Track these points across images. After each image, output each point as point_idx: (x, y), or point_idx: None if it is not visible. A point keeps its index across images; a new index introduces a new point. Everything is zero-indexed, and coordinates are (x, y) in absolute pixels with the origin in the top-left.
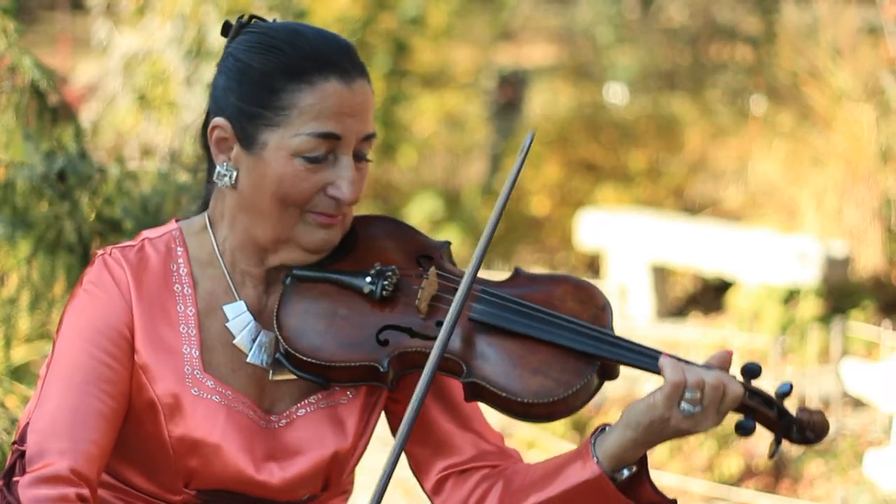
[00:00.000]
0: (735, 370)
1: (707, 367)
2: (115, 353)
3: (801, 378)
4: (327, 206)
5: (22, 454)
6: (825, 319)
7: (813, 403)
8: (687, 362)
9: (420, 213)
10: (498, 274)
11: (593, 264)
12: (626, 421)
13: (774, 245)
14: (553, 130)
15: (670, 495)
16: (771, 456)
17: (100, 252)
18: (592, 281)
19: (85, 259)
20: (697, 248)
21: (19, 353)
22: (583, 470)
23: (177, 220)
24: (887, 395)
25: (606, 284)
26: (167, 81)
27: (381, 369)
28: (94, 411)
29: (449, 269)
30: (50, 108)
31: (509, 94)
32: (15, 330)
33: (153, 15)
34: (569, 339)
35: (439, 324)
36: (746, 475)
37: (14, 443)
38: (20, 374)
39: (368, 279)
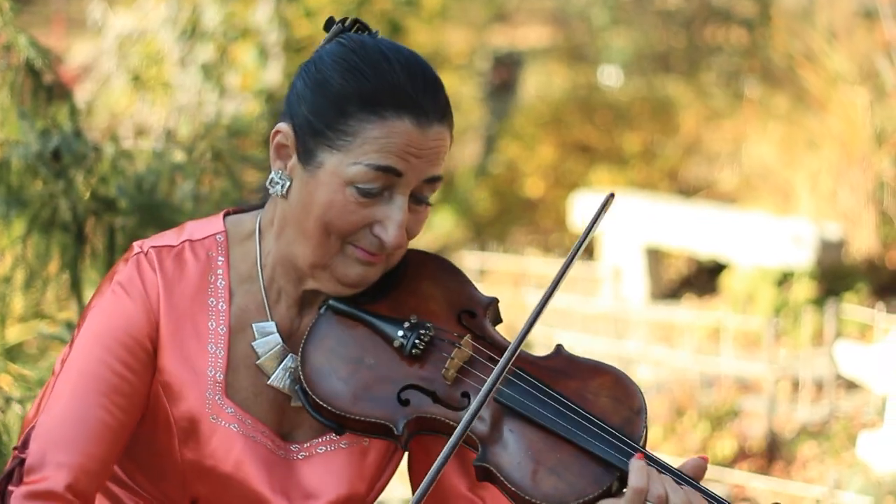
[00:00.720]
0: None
1: (679, 478)
2: (133, 364)
3: (795, 360)
4: (370, 244)
5: (21, 462)
6: (819, 302)
7: (807, 386)
8: (665, 469)
9: None
10: (492, 255)
11: (587, 246)
12: None
13: (768, 227)
14: (547, 112)
15: None
16: None
17: (136, 248)
18: (587, 262)
19: (80, 238)
20: (691, 230)
21: (13, 333)
22: None
23: (227, 214)
24: (881, 378)
25: (600, 266)
26: (161, 62)
27: (396, 432)
28: (102, 424)
29: (488, 333)
30: (45, 87)
31: (504, 75)
32: (9, 309)
33: None
34: (593, 444)
35: (464, 395)
36: (740, 457)
37: (15, 448)
38: (14, 353)
39: (401, 333)
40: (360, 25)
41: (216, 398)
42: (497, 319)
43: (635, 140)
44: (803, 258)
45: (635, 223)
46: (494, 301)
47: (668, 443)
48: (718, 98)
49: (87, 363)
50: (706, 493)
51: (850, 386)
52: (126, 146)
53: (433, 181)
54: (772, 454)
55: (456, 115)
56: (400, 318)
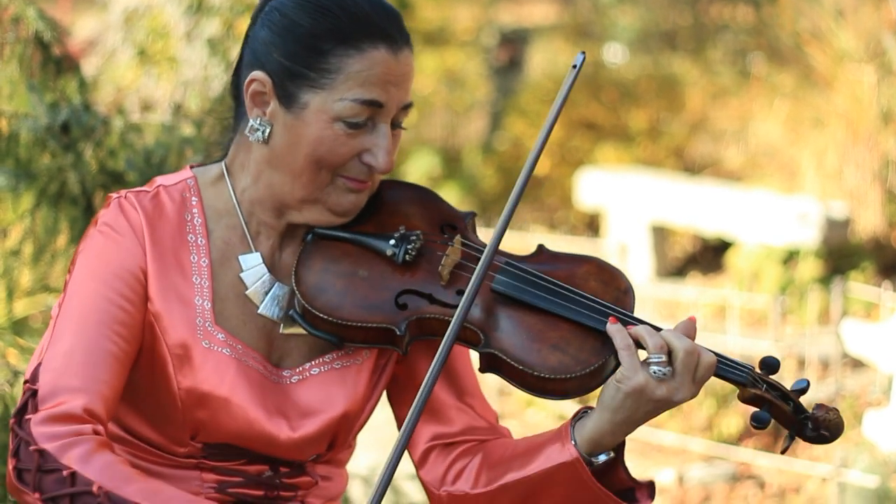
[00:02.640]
0: (755, 362)
1: (679, 335)
2: (130, 295)
3: (801, 339)
4: (359, 172)
5: (34, 393)
6: (825, 280)
7: (813, 364)
8: (655, 328)
9: (418, 170)
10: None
11: (593, 223)
12: (603, 402)
13: (774, 206)
14: (553, 89)
15: (670, 454)
16: (783, 451)
17: (114, 195)
18: (592, 240)
19: (88, 211)
20: (697, 208)
21: (20, 307)
22: (560, 453)
23: (192, 167)
24: (887, 356)
25: (606, 244)
26: (167, 36)
27: (398, 332)
28: (108, 353)
29: (473, 239)
30: (54, 60)
31: (510, 52)
32: (17, 283)
33: None
34: (590, 317)
35: (459, 293)
36: (745, 434)
37: (26, 381)
38: (21, 327)
39: (392, 242)
40: None
41: (206, 325)
42: (475, 232)
43: (641, 118)
44: (809, 236)
45: (641, 200)
46: (472, 214)
47: (674, 420)
48: (724, 76)
49: (87, 297)
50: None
51: (857, 364)
52: (133, 120)
53: (407, 107)
54: (778, 432)
55: (462, 91)
56: (387, 232)
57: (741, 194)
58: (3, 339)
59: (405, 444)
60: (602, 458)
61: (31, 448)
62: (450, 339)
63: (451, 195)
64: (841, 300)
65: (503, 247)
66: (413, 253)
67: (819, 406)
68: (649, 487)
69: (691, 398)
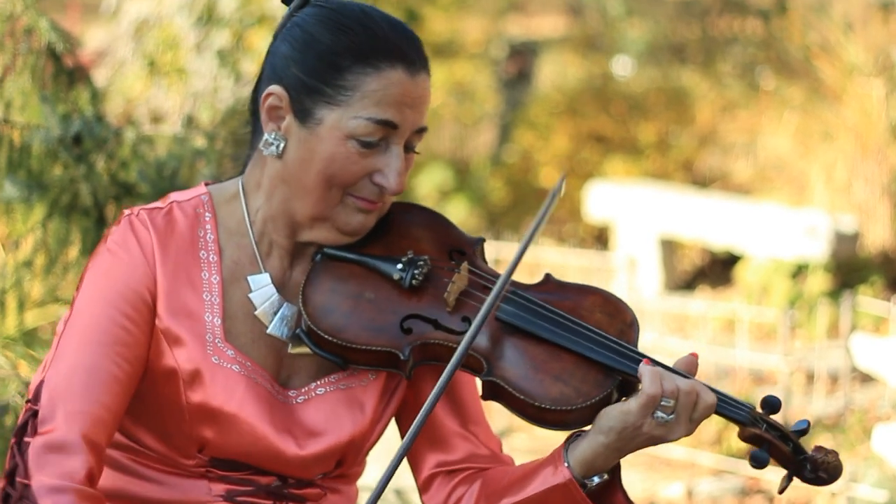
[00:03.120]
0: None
1: (681, 374)
2: (135, 316)
3: (810, 353)
4: (370, 193)
5: (35, 413)
6: (833, 294)
7: (822, 378)
8: (664, 367)
9: (429, 183)
10: (507, 245)
11: (602, 236)
12: (599, 427)
13: (783, 219)
14: (562, 102)
15: (678, 468)
16: (780, 491)
17: (126, 212)
18: (601, 253)
19: (100, 223)
20: (706, 221)
21: (31, 318)
22: (553, 475)
23: (207, 185)
24: None
25: (615, 257)
26: (177, 48)
27: (402, 357)
28: (110, 375)
29: (481, 266)
30: (66, 71)
31: (519, 64)
32: (28, 294)
33: None
34: (593, 350)
35: (465, 319)
36: None
37: (28, 401)
38: (32, 338)
39: (399, 266)
40: None
41: (216, 341)
42: (484, 258)
43: (650, 130)
44: (818, 250)
45: (650, 213)
46: (481, 240)
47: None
48: (733, 89)
49: (92, 317)
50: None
51: (866, 379)
52: (145, 131)
53: (421, 131)
54: None
55: (471, 104)
56: (395, 256)
57: (750, 208)
58: (14, 351)
59: (398, 463)
60: (596, 480)
61: (20, 480)
62: (453, 365)
63: (460, 208)
64: (850, 314)
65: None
66: (420, 278)
67: (818, 448)
68: None
69: (686, 436)
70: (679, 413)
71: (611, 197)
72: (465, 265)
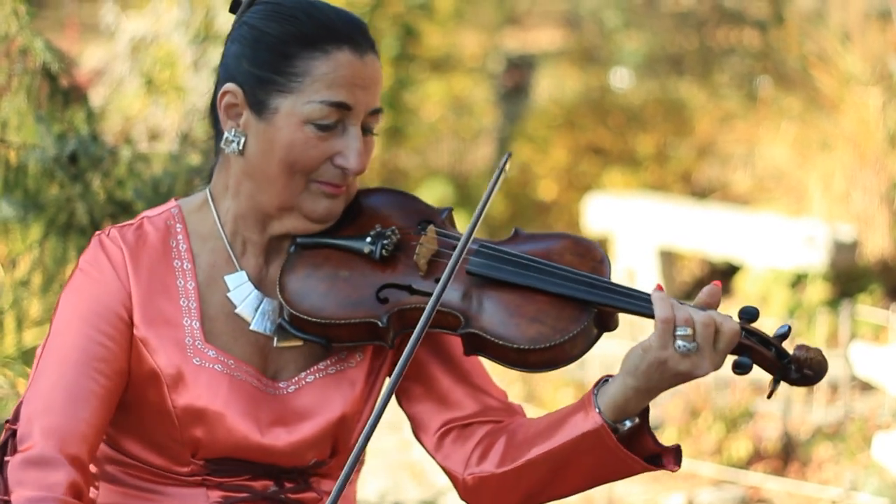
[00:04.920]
0: (734, 313)
1: (699, 307)
2: (111, 332)
3: None
4: (333, 176)
5: (14, 433)
6: (833, 304)
7: (821, 387)
8: (679, 302)
9: (429, 198)
10: None
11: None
12: (626, 368)
13: (782, 229)
14: (560, 114)
15: (679, 479)
16: (769, 396)
17: (97, 232)
18: None
19: None
20: (705, 232)
21: (30, 337)
22: (584, 421)
23: (176, 199)
24: (895, 379)
25: (614, 268)
26: (174, 65)
27: (381, 325)
28: (88, 390)
29: (451, 231)
30: (61, 91)
31: (516, 78)
32: (26, 313)
33: None
34: (564, 286)
35: (438, 280)
36: (755, 458)
37: (7, 420)
38: (31, 357)
39: (368, 240)
40: None
41: (196, 343)
42: (454, 226)
43: (648, 142)
44: (817, 260)
45: (649, 225)
46: (449, 209)
47: (682, 444)
48: (731, 99)
49: (68, 336)
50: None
51: (865, 387)
52: (141, 149)
53: (376, 112)
54: (787, 456)
55: (469, 118)
56: (364, 232)
57: (749, 218)
58: (12, 370)
59: (385, 405)
60: (627, 424)
61: (0, 497)
62: (427, 316)
63: (460, 222)
64: (849, 323)
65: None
66: (390, 248)
67: (800, 347)
68: (675, 453)
69: (715, 370)
70: (701, 343)
71: (609, 209)
72: (431, 227)
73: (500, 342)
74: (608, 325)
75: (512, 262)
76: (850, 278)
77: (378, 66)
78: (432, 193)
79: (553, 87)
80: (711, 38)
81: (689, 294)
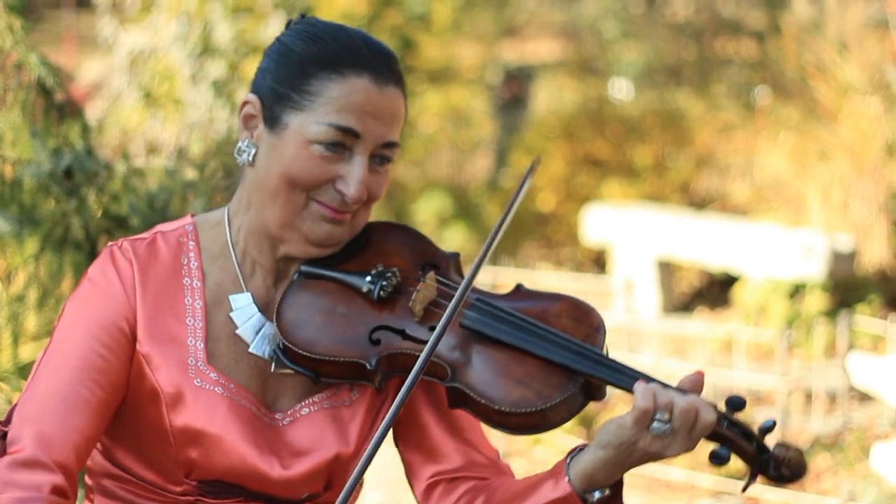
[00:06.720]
0: (720, 400)
1: (681, 391)
2: (111, 345)
3: (808, 372)
4: (332, 199)
5: (4, 435)
6: (831, 314)
7: (820, 398)
8: (663, 385)
9: (428, 210)
10: (504, 270)
11: (599, 259)
12: (598, 441)
13: (780, 239)
14: (558, 126)
15: (677, 490)
16: (744, 489)
17: (110, 243)
18: (598, 276)
19: (92, 256)
20: (703, 242)
21: (26, 351)
22: (554, 489)
23: (193, 216)
24: (893, 389)
25: (612, 280)
26: (172, 79)
27: (369, 367)
28: (82, 399)
29: (452, 278)
30: (56, 106)
31: (514, 89)
32: (22, 328)
33: (159, 12)
34: (554, 352)
35: (433, 329)
36: None
37: (0, 423)
38: (27, 372)
39: (368, 279)
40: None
41: (198, 364)
42: (460, 273)
43: (647, 153)
44: (815, 270)
45: (647, 236)
46: (456, 255)
47: (681, 456)
48: (730, 110)
49: (69, 345)
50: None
51: (863, 398)
52: (137, 163)
53: (390, 146)
54: None
55: (467, 129)
56: (366, 270)
57: (747, 228)
58: (9, 384)
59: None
60: (597, 495)
61: None
62: (417, 370)
63: (459, 233)
64: (847, 333)
65: (484, 286)
66: (389, 290)
67: (780, 445)
68: None
69: (685, 452)
70: (677, 429)
71: (608, 220)
72: (431, 274)
73: (483, 401)
74: (595, 394)
75: (506, 321)
76: (848, 288)
77: (400, 101)
78: (431, 205)
79: (551, 98)
80: (709, 48)
81: (687, 305)
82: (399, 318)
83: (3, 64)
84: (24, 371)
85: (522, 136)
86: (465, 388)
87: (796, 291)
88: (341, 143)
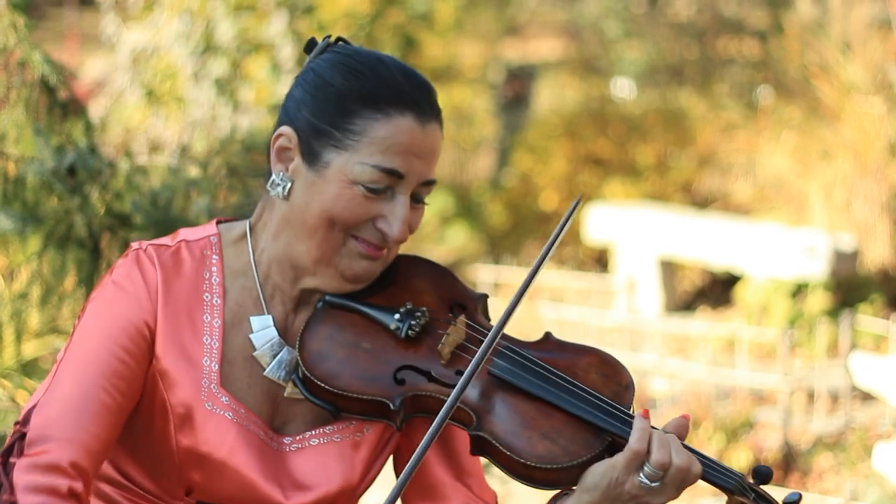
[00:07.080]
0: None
1: (676, 451)
2: (133, 350)
3: (810, 372)
4: (373, 236)
5: (23, 436)
6: (833, 313)
7: (822, 397)
8: (664, 431)
9: (430, 210)
10: (506, 269)
11: (601, 258)
12: (584, 484)
13: (782, 239)
14: (560, 125)
15: None
16: None
17: (135, 245)
18: (600, 275)
19: (95, 254)
20: (706, 242)
21: (29, 348)
22: None
23: (219, 222)
24: None
25: (614, 279)
26: (175, 77)
27: (392, 407)
28: (102, 405)
29: (480, 321)
30: (60, 104)
31: (517, 88)
32: (25, 325)
33: (161, 11)
34: (583, 409)
35: (459, 373)
36: None
37: (17, 423)
38: (30, 369)
39: (397, 316)
40: (343, 41)
41: (211, 387)
42: (487, 315)
43: (649, 152)
44: (817, 269)
45: (649, 235)
46: (484, 296)
47: None
48: (732, 109)
49: (91, 348)
50: (701, 455)
51: (866, 397)
52: (140, 161)
53: (429, 184)
54: (787, 466)
55: (469, 128)
56: (395, 306)
57: (749, 228)
58: (12, 381)
59: None
60: None
61: (6, 496)
62: (443, 416)
63: (461, 233)
64: (850, 333)
65: (512, 331)
66: (417, 329)
67: None
68: None
69: (670, 500)
70: (668, 484)
71: (610, 219)
72: (461, 318)
73: (508, 452)
74: (617, 452)
75: (535, 372)
76: (850, 288)
77: (439, 137)
78: (433, 204)
79: (553, 97)
80: (712, 48)
81: (690, 304)
82: (426, 360)
83: (6, 62)
84: (27, 368)
85: (524, 136)
86: (490, 437)
87: (798, 291)
88: (385, 183)
